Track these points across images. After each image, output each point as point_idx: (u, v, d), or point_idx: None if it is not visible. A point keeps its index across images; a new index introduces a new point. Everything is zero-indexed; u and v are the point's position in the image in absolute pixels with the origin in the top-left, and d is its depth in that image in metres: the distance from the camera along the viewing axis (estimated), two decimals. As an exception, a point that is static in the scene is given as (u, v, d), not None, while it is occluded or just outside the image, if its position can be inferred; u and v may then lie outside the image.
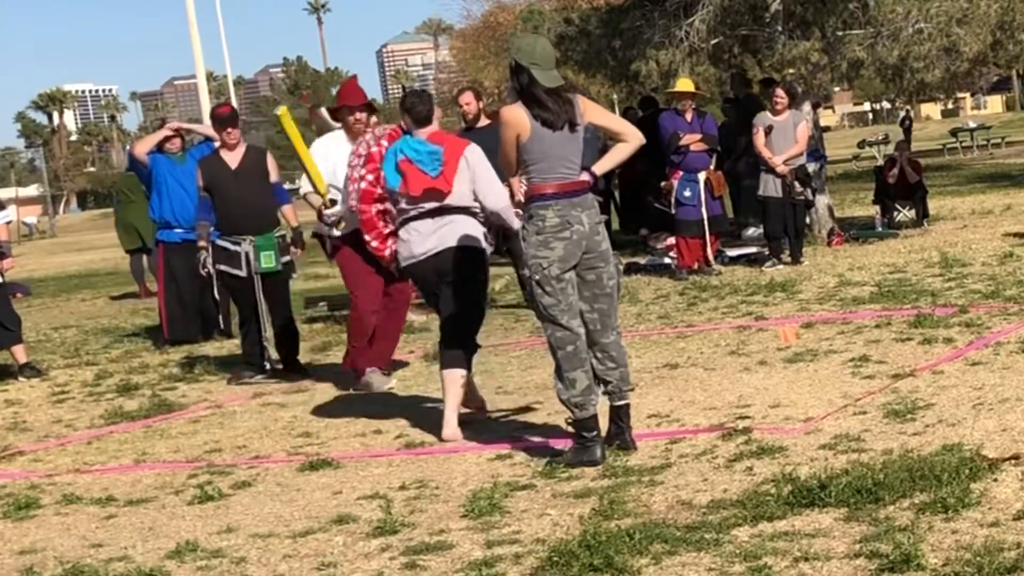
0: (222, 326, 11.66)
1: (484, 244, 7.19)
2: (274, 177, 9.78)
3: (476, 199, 7.15)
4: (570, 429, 6.10)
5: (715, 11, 15.06)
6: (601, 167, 6.31)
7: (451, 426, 6.95)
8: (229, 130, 9.57)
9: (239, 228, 9.40)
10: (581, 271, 6.04)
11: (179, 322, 11.79)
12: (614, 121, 6.53)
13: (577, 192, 5.99)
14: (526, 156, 5.99)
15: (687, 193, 13.25)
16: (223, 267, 9.38)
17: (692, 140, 13.22)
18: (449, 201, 7.09)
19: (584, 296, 6.07)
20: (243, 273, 9.38)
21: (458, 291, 7.10)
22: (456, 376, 7.03)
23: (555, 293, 5.94)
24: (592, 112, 6.19)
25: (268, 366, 9.62)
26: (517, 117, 5.96)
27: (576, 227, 5.94)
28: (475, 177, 7.11)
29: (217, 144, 9.95)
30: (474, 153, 7.16)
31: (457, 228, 7.10)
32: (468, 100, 11.90)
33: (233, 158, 9.59)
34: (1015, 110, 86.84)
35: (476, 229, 7.16)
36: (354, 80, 9.76)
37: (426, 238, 7.12)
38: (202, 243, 9.44)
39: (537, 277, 5.96)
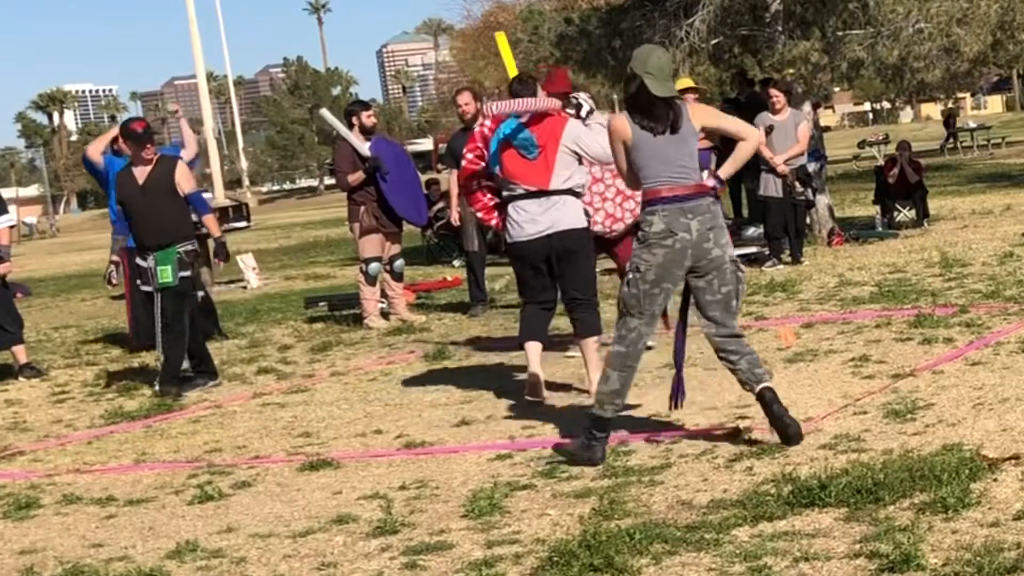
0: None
1: (586, 220, 7.65)
2: (186, 188, 9.34)
3: (582, 174, 7.58)
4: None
5: (715, 11, 15.06)
6: (725, 170, 6.29)
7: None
8: (148, 146, 9.29)
9: (145, 243, 9.24)
10: (692, 278, 6.08)
11: (144, 326, 11.70)
12: (729, 122, 6.50)
13: (689, 197, 5.97)
14: (633, 163, 6.06)
15: None
16: (139, 283, 9.37)
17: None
18: (552, 185, 7.43)
19: (699, 301, 6.13)
20: (151, 289, 9.24)
21: (577, 267, 7.55)
22: (591, 343, 7.53)
23: (639, 294, 6.00)
24: (704, 116, 6.24)
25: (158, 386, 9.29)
26: (619, 126, 6.08)
27: (681, 235, 5.93)
28: (584, 152, 7.53)
29: (186, 152, 9.84)
30: (570, 134, 7.50)
31: (567, 211, 7.48)
32: (467, 100, 11.96)
33: (142, 172, 9.28)
34: (1015, 110, 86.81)
35: (580, 208, 7.62)
36: (561, 70, 9.56)
37: (536, 218, 7.47)
38: (114, 257, 9.38)
39: (631, 276, 6.05)
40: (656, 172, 5.98)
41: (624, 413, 7.05)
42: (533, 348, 7.62)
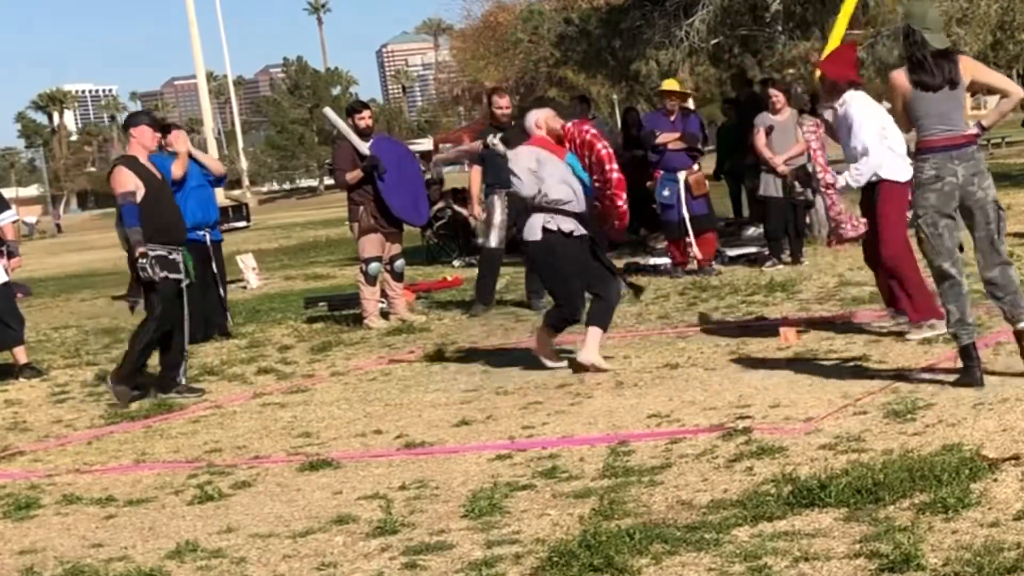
0: (229, 327, 11.76)
1: (537, 232, 8.49)
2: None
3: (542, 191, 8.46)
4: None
5: (715, 11, 15.07)
6: (989, 119, 7.03)
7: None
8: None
9: (175, 238, 9.04)
10: (963, 217, 6.73)
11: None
12: (995, 78, 7.08)
13: (956, 146, 6.68)
14: (910, 114, 6.77)
15: (665, 193, 13.33)
16: (169, 274, 8.92)
17: (669, 139, 13.28)
18: None
19: (973, 239, 6.77)
20: (185, 280, 9.04)
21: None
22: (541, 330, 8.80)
23: (931, 238, 6.69)
24: (975, 70, 6.87)
25: (183, 380, 9.21)
26: (898, 83, 6.77)
27: (948, 179, 6.65)
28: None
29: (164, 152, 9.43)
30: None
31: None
32: (508, 104, 12.17)
33: (152, 167, 9.11)
34: (1015, 110, 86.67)
35: (534, 221, 8.52)
36: (846, 47, 9.26)
37: None
38: (142, 249, 8.78)
39: (918, 223, 6.75)
40: (931, 125, 6.69)
41: (624, 413, 7.07)
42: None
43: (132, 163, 9.05)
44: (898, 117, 7.01)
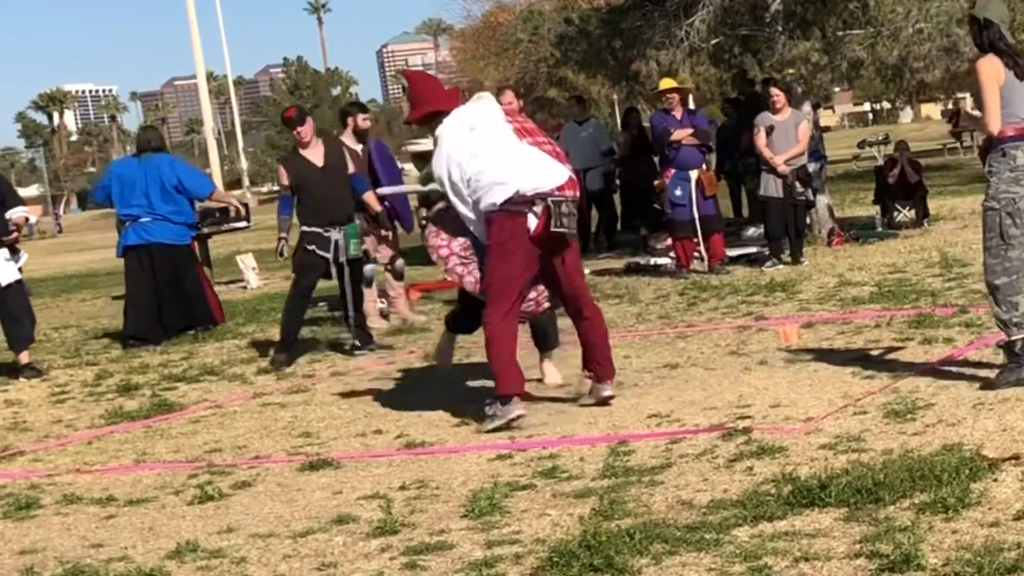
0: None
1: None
2: (352, 168, 10.47)
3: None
4: (1001, 354, 6.77)
5: (715, 11, 15.04)
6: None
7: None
8: (298, 129, 10.16)
9: (334, 219, 10.05)
10: None
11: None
12: None
13: None
14: (1000, 102, 6.62)
15: (678, 192, 13.29)
16: (311, 247, 10.02)
17: (684, 135, 13.26)
18: None
19: None
20: (331, 257, 10.04)
21: None
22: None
23: (1022, 225, 6.61)
24: None
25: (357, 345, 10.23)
26: (995, 69, 6.65)
27: None
28: None
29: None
30: None
31: None
32: (510, 99, 11.99)
33: (315, 155, 10.15)
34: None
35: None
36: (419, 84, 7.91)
37: None
38: (283, 235, 10.25)
39: (1009, 209, 6.61)
40: (1014, 113, 6.66)
41: (624, 413, 7.07)
42: None
43: (291, 160, 10.36)
44: (991, 104, 6.62)
